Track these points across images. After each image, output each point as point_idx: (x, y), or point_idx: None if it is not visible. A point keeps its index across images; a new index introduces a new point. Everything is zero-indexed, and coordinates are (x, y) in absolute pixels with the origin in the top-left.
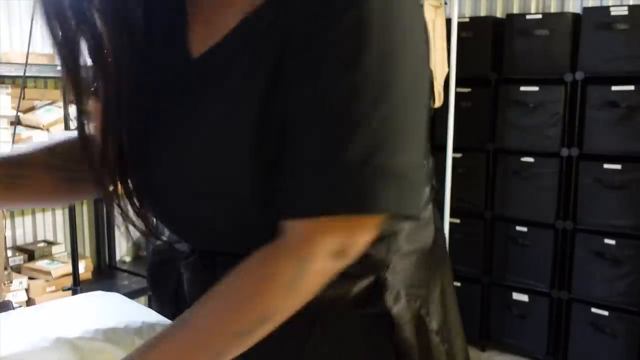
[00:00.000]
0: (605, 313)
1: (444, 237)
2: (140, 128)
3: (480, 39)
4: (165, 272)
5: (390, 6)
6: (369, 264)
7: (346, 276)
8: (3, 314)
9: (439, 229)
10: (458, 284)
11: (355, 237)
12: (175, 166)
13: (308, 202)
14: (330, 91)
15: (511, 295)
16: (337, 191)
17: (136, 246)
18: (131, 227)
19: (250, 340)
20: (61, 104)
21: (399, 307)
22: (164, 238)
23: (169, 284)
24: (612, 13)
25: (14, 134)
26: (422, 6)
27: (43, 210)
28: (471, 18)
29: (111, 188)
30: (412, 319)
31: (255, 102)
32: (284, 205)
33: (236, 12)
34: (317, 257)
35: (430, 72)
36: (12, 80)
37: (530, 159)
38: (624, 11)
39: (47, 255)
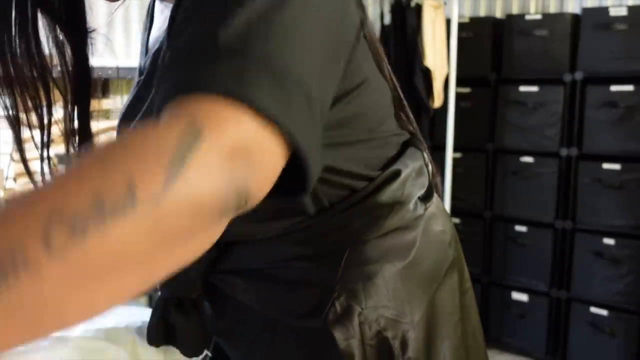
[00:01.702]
0: (605, 312)
1: (445, 250)
2: None
3: (479, 39)
4: None
5: None
6: (316, 275)
7: (292, 286)
8: None
9: (436, 239)
10: None
11: (247, 134)
12: None
13: (186, 81)
14: None
15: (510, 295)
16: (211, 71)
17: None
18: None
19: (111, 224)
20: (62, 103)
21: (344, 326)
22: None
23: None
24: (611, 13)
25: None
26: None
27: None
28: (471, 18)
29: None
30: (370, 339)
31: None
32: (168, 92)
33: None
34: (211, 136)
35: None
36: None
37: (530, 159)
38: (622, 12)
39: None
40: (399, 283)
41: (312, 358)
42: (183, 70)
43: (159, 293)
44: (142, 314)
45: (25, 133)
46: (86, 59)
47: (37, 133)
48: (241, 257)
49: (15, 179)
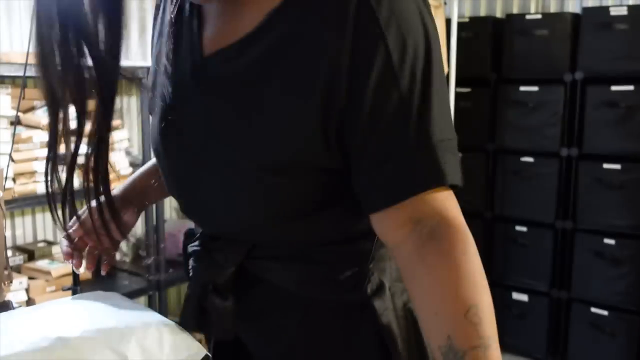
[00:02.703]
0: (605, 313)
1: None
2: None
3: (479, 39)
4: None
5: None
6: (353, 255)
7: (332, 265)
8: (3, 313)
9: None
10: None
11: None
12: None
13: (431, 175)
14: (395, 99)
15: (511, 295)
16: (441, 164)
17: (136, 246)
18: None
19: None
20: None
21: (381, 298)
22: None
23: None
24: (612, 13)
25: (13, 134)
26: (429, 10)
27: (43, 210)
28: (471, 18)
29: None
30: (399, 311)
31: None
32: (396, 192)
33: (254, 14)
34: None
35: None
36: (12, 81)
37: (530, 159)
38: (623, 11)
39: (47, 255)
40: None
41: (348, 331)
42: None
43: (193, 281)
44: (142, 315)
45: (24, 133)
46: (118, 64)
47: (37, 133)
48: (280, 244)
49: (14, 179)
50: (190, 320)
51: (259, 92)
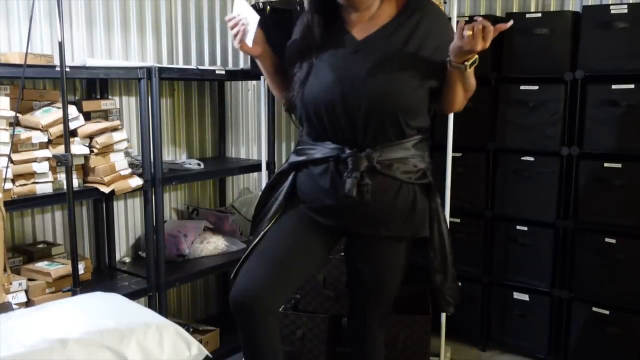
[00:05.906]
0: (606, 312)
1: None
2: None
3: None
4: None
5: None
6: (424, 157)
7: (411, 168)
8: (3, 315)
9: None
10: (458, 283)
11: None
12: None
13: None
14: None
15: (512, 295)
16: None
17: (136, 246)
18: None
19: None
20: (59, 104)
21: (434, 189)
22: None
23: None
24: (612, 11)
25: (12, 135)
26: None
27: (42, 211)
28: (471, 17)
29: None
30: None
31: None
32: None
33: (382, 19)
34: None
35: None
36: (10, 81)
37: (531, 158)
38: (623, 9)
39: (47, 256)
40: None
41: (422, 196)
42: None
43: (352, 170)
44: (142, 315)
45: (23, 134)
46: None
47: (36, 134)
48: (391, 153)
49: (13, 180)
50: (352, 189)
51: (398, 50)
